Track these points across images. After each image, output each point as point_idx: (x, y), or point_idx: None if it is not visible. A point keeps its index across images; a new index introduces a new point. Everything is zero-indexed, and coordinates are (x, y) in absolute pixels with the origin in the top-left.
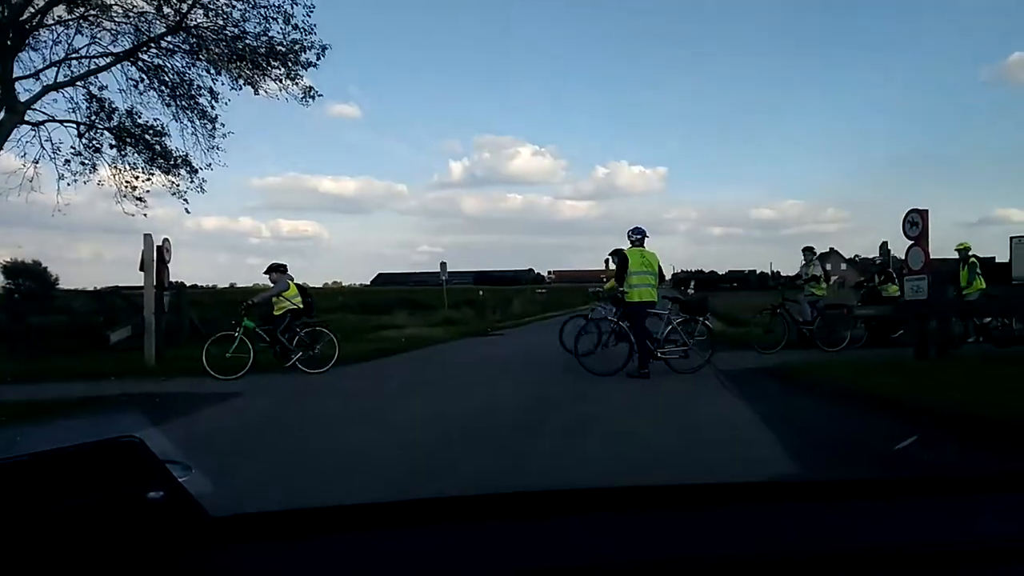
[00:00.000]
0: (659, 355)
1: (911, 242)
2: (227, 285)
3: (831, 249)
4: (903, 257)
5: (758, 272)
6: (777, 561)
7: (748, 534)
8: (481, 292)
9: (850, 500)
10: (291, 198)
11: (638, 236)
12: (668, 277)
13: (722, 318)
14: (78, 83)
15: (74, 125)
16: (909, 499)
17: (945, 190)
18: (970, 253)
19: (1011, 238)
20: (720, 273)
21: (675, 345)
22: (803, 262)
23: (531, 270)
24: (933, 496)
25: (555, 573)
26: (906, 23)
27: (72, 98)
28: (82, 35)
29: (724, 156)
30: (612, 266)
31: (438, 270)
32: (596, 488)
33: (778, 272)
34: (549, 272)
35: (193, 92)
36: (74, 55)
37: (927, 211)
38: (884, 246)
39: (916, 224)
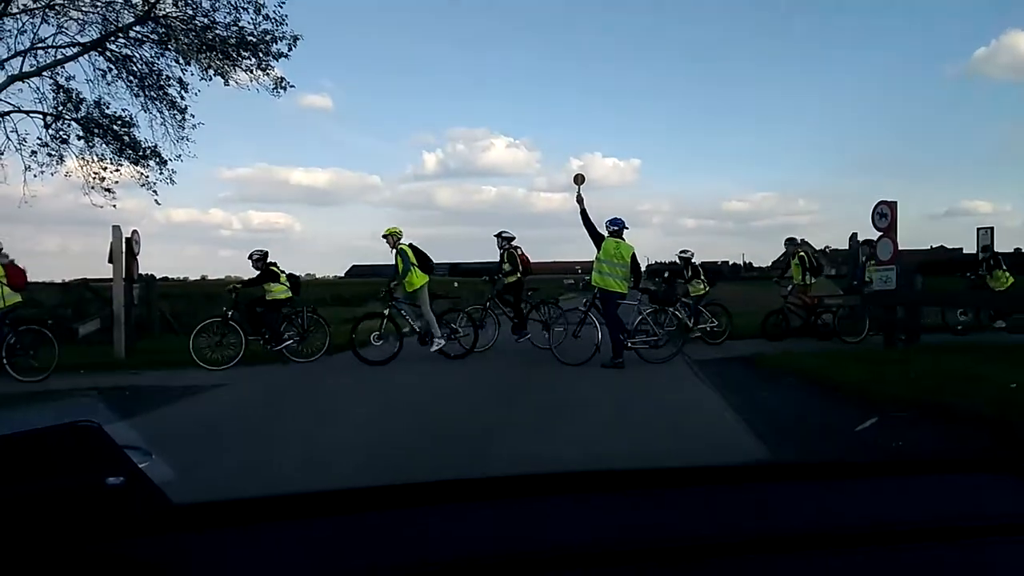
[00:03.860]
0: (629, 345)
1: (880, 233)
2: (198, 277)
3: (802, 240)
4: (872, 248)
5: (731, 263)
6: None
7: (717, 516)
8: (456, 284)
9: (815, 481)
10: (262, 189)
11: (615, 227)
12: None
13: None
14: (44, 73)
15: (41, 116)
16: (873, 480)
17: (913, 183)
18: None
19: (978, 229)
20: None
21: (646, 335)
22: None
23: None
24: (897, 477)
25: (526, 554)
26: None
27: (38, 88)
28: (48, 24)
29: (697, 149)
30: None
31: None
32: (569, 472)
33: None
34: None
35: (162, 82)
36: (40, 44)
37: (895, 203)
38: (854, 237)
39: (885, 216)
